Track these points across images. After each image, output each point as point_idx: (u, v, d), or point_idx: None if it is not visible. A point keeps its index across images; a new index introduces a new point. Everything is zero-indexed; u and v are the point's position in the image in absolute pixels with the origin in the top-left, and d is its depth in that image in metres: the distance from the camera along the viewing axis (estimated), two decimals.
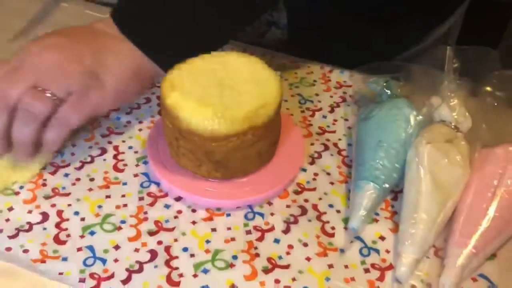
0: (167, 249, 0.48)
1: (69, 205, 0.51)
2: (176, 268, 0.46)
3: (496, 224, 0.47)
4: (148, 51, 0.53)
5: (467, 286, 0.46)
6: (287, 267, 0.47)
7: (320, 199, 0.53)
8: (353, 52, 0.64)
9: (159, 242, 0.48)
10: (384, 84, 0.59)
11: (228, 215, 0.51)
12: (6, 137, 0.50)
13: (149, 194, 0.52)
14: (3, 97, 0.48)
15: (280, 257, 0.48)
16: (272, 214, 0.51)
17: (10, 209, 0.50)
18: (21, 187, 0.52)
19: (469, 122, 0.54)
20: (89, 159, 0.55)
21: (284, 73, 0.66)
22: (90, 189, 0.52)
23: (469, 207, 0.49)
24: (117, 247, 0.48)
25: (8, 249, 0.47)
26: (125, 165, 0.55)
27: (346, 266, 0.47)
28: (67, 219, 0.50)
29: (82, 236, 0.48)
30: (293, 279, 0.46)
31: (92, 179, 0.53)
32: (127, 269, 0.46)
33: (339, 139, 0.59)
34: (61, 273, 0.45)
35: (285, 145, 0.55)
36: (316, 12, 0.71)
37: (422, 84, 0.57)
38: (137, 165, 0.55)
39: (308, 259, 0.48)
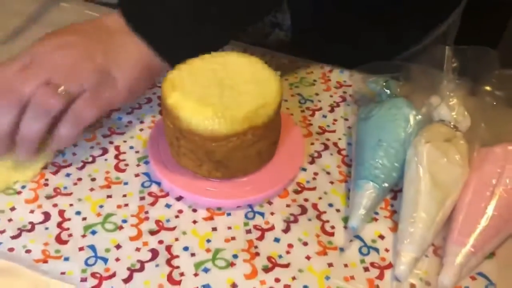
0: (168, 248, 0.48)
1: (71, 204, 0.51)
2: (177, 267, 0.47)
3: (495, 223, 0.48)
4: (156, 47, 0.53)
5: (465, 284, 0.47)
6: (287, 266, 0.47)
7: (320, 198, 0.53)
8: (353, 52, 0.65)
9: (160, 242, 0.48)
10: (384, 83, 0.59)
11: (229, 214, 0.51)
12: (11, 135, 0.50)
13: (150, 194, 0.52)
14: (16, 93, 0.48)
15: (280, 256, 0.48)
16: (272, 213, 0.51)
17: (12, 209, 0.50)
18: (23, 187, 0.52)
19: (468, 122, 0.55)
20: (90, 159, 0.56)
21: (284, 73, 0.67)
22: (92, 189, 0.53)
23: (468, 206, 0.49)
24: (118, 247, 0.48)
25: (11, 249, 0.47)
26: (126, 165, 0.55)
27: (345, 265, 0.48)
28: (69, 219, 0.50)
29: (83, 236, 0.49)
30: (293, 278, 0.46)
31: (93, 179, 0.54)
32: (128, 268, 0.46)
33: (339, 139, 0.59)
34: (63, 273, 0.46)
35: (285, 145, 0.56)
36: (319, 13, 0.71)
37: (422, 84, 0.57)
38: (138, 165, 0.55)
39: (308, 258, 0.48)
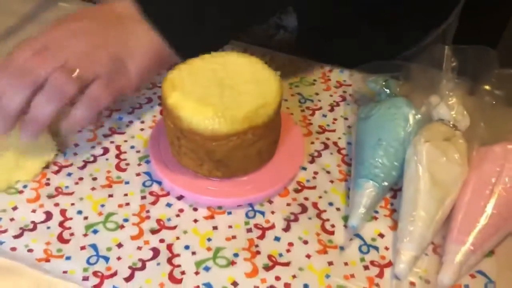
0: (169, 247, 0.48)
1: (72, 204, 0.51)
2: (178, 266, 0.47)
3: (494, 221, 0.48)
4: (168, 37, 0.54)
5: (465, 282, 0.47)
6: (287, 264, 0.48)
7: (320, 197, 0.53)
8: (354, 52, 0.65)
9: (161, 240, 0.49)
10: (383, 83, 0.60)
11: (229, 213, 0.51)
12: (18, 115, 0.50)
13: (151, 193, 0.53)
14: (31, 74, 0.49)
15: (280, 255, 0.48)
16: (272, 212, 0.52)
17: (14, 208, 0.51)
18: (25, 186, 0.53)
19: (467, 121, 0.55)
20: (91, 158, 0.56)
21: (284, 73, 0.67)
22: (93, 188, 0.53)
23: (467, 204, 0.49)
24: (119, 245, 0.48)
25: (13, 249, 0.47)
26: (128, 164, 0.56)
27: (345, 263, 0.48)
28: (71, 218, 0.50)
29: (85, 235, 0.49)
30: (294, 276, 0.47)
31: (94, 178, 0.54)
32: (130, 267, 0.47)
33: (339, 138, 0.60)
34: (65, 272, 0.46)
35: (285, 144, 0.56)
36: (325, 14, 0.71)
37: (421, 83, 0.57)
38: (139, 165, 0.56)
39: (308, 256, 0.48)
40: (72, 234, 0.49)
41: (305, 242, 0.49)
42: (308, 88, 0.66)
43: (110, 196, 0.52)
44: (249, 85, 0.50)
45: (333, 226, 0.51)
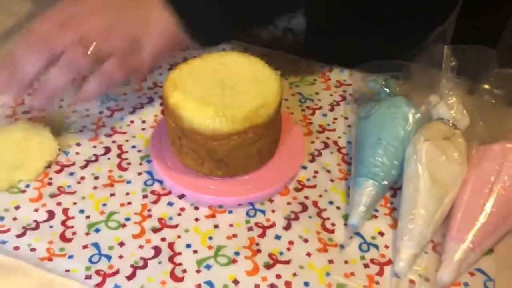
0: (171, 245, 0.49)
1: (75, 203, 0.52)
2: (180, 264, 0.47)
3: (493, 219, 0.48)
4: (185, 21, 0.54)
5: (464, 280, 0.47)
6: (288, 262, 0.48)
7: (320, 196, 0.54)
8: (354, 52, 0.65)
9: (163, 239, 0.49)
10: (383, 82, 0.60)
11: (230, 212, 0.52)
12: (32, 82, 0.51)
13: (152, 192, 0.53)
14: (49, 45, 0.51)
15: (281, 253, 0.49)
16: (273, 211, 0.52)
17: (17, 207, 0.51)
18: (27, 186, 0.53)
19: (467, 120, 0.55)
20: (93, 158, 0.56)
21: (284, 72, 0.67)
22: (95, 188, 0.53)
23: (467, 203, 0.49)
24: (121, 244, 0.48)
25: (16, 248, 0.48)
26: (129, 163, 0.56)
27: (346, 262, 0.48)
28: (73, 217, 0.50)
29: (87, 234, 0.49)
30: (294, 274, 0.47)
31: (96, 178, 0.54)
32: (131, 265, 0.47)
33: (339, 137, 0.60)
34: (67, 270, 0.46)
35: (285, 143, 0.56)
36: (332, 14, 0.71)
37: (420, 83, 0.58)
38: (140, 164, 0.56)
39: (308, 254, 0.48)
40: (74, 233, 0.49)
41: (306, 241, 0.50)
42: (308, 87, 0.66)
43: (112, 195, 0.53)
44: (249, 85, 0.51)
45: (333, 224, 0.51)
